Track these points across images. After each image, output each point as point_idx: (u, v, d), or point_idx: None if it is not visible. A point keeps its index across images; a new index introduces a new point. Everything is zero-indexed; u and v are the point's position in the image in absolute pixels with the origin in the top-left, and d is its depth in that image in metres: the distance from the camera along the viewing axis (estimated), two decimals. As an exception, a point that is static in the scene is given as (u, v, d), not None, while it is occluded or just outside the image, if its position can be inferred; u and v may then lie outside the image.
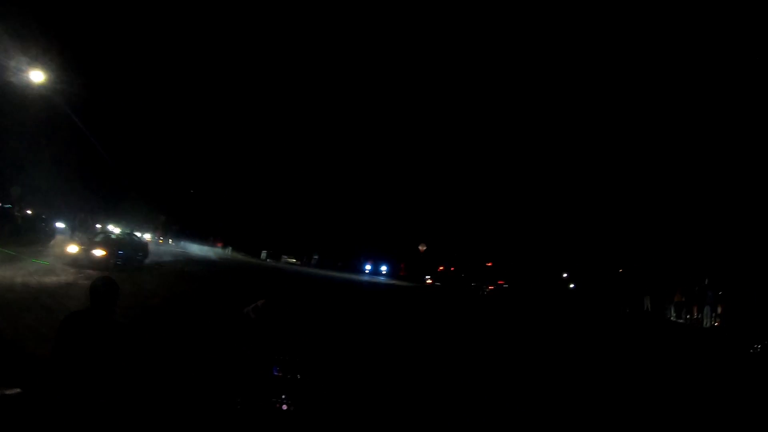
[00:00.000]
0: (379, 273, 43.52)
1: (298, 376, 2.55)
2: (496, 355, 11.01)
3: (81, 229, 25.51)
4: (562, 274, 32.87)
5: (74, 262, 17.15)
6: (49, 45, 23.05)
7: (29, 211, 23.54)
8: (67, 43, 21.70)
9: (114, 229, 36.85)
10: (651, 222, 25.26)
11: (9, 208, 21.97)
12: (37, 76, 20.70)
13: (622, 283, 23.50)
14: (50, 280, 13.15)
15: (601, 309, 22.42)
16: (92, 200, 26.92)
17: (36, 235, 22.45)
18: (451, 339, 12.63)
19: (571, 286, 29.67)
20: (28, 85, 20.93)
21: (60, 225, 26.59)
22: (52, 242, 22.57)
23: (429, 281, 33.90)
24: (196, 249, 42.19)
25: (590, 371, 10.05)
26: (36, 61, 20.40)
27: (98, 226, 31.21)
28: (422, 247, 39.48)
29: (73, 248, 17.92)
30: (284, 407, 2.46)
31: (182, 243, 42.61)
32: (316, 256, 43.95)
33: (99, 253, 17.79)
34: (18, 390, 2.73)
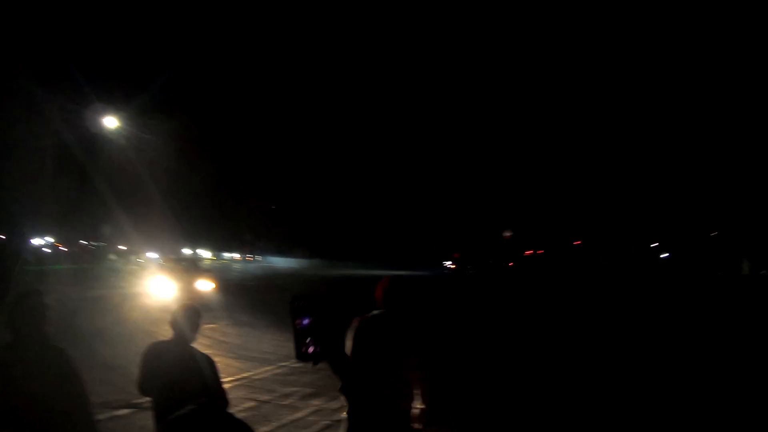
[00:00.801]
0: (460, 267, 43.37)
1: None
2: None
3: (170, 256, 27.22)
4: (650, 245, 30.89)
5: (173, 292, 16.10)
6: (123, 88, 24.55)
7: (123, 247, 25.42)
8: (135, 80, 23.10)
9: (203, 253, 39.13)
10: (746, 179, 23.17)
11: (105, 246, 23.80)
12: (111, 121, 22.29)
13: (717, 247, 21.68)
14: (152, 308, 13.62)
15: (694, 276, 20.79)
16: (178, 228, 28.51)
17: (129, 266, 24.19)
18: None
19: (663, 255, 27.81)
20: (112, 130, 22.48)
21: (153, 255, 28.43)
22: (146, 272, 24.20)
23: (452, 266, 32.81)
24: (283, 263, 43.83)
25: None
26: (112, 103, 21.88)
27: (188, 251, 33.19)
28: (507, 234, 38.62)
29: (169, 283, 16.32)
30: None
31: (269, 258, 44.32)
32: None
33: (206, 286, 16.49)
34: (127, 410, 2.84)
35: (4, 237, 18.53)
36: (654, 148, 32.90)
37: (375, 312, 2.62)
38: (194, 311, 3.10)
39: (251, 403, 5.27)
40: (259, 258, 45.12)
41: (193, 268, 19.16)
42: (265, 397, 5.52)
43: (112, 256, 23.55)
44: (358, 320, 2.58)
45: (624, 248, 31.41)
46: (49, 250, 20.85)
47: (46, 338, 2.70)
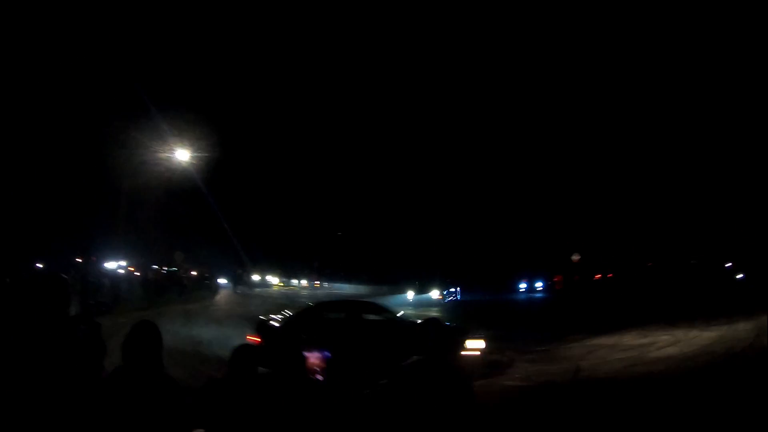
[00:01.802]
0: (534, 290, 42.00)
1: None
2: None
3: (240, 282, 28.41)
4: (725, 265, 28.73)
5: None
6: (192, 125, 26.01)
7: (194, 272, 26.75)
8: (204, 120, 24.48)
9: (272, 279, 40.31)
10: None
11: (175, 271, 25.10)
12: (183, 154, 23.71)
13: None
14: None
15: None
16: (246, 255, 29.79)
17: (201, 292, 25.32)
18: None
19: (739, 276, 25.78)
20: (179, 163, 23.89)
21: (222, 281, 29.69)
22: (217, 297, 25.33)
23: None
24: (350, 289, 44.29)
25: None
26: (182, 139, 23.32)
27: (257, 277, 34.40)
28: (576, 257, 37.41)
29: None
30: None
31: (336, 285, 44.93)
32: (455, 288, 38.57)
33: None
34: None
35: (81, 260, 20.09)
36: (728, 163, 30.89)
37: None
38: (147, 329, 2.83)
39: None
40: (326, 284, 45.86)
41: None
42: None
43: (185, 281, 24.77)
44: None
45: (699, 269, 29.43)
46: (123, 272, 22.30)
47: (160, 366, 2.78)
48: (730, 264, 27.51)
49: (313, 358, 4.14)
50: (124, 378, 2.55)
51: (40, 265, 17.01)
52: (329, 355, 4.48)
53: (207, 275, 27.28)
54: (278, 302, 21.43)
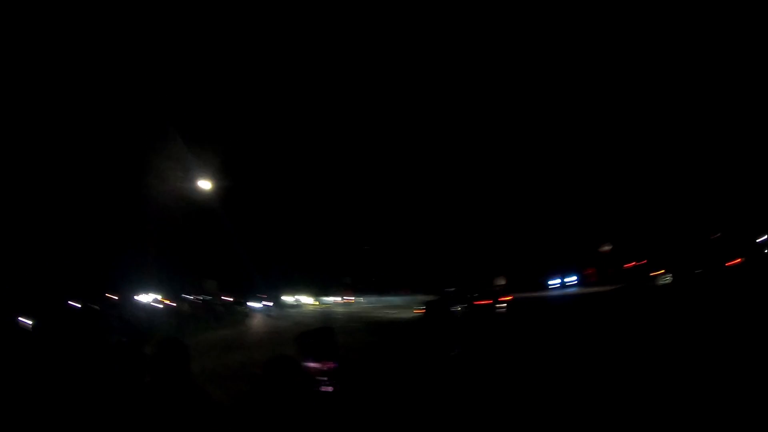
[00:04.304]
0: (566, 285, 41.48)
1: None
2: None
3: (274, 305, 28.82)
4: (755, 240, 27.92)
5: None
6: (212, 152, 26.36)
7: (227, 299, 27.15)
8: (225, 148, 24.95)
9: (304, 299, 40.43)
10: None
11: (210, 299, 25.56)
12: (205, 184, 24.14)
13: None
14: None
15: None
16: (277, 278, 30.11)
17: (235, 317, 25.78)
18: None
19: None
20: (201, 192, 24.30)
21: (254, 305, 30.04)
22: (251, 321, 25.79)
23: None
24: (383, 301, 44.22)
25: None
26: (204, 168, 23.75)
27: (290, 298, 34.62)
28: (606, 248, 36.83)
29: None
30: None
31: (369, 299, 44.87)
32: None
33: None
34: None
35: (117, 297, 20.66)
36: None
37: None
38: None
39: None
40: (361, 299, 45.85)
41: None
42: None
43: (219, 308, 25.19)
44: None
45: (735, 243, 28.69)
46: (158, 305, 22.81)
47: (189, 379, 2.89)
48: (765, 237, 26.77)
49: (319, 368, 4.20)
50: (153, 391, 2.67)
51: (77, 304, 17.48)
52: (336, 364, 4.50)
53: (240, 301, 27.70)
54: (311, 320, 21.70)
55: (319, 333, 3.40)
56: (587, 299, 27.45)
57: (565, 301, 29.70)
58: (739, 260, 25.02)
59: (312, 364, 4.15)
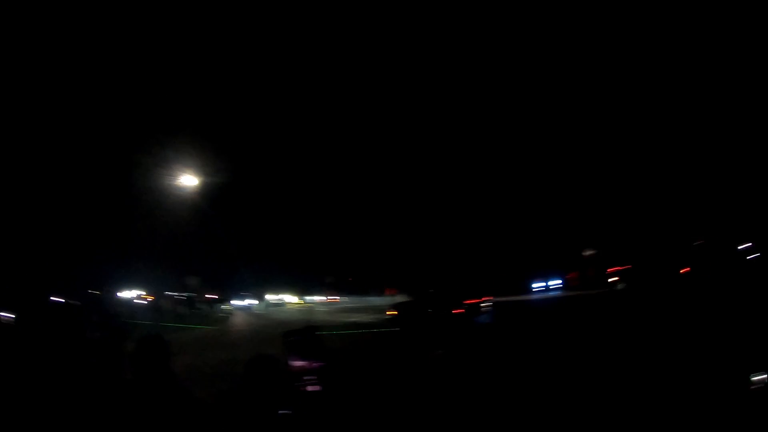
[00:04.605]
0: (549, 288, 41.86)
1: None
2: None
3: (256, 302, 28.70)
4: (736, 248, 28.35)
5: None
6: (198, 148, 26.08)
7: (210, 296, 27.00)
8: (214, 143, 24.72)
9: (287, 298, 40.29)
10: None
11: (193, 296, 25.42)
12: (191, 180, 23.88)
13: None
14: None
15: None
16: (260, 276, 29.99)
17: (217, 315, 25.67)
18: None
19: (751, 257, 25.44)
20: (186, 188, 24.02)
21: (238, 302, 29.89)
22: (234, 319, 25.64)
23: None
24: (369, 301, 44.20)
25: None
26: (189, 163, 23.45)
27: (273, 297, 34.44)
28: (587, 253, 37.15)
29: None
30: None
31: (353, 298, 44.85)
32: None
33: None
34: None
35: (98, 293, 20.44)
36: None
37: None
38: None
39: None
40: (345, 299, 45.81)
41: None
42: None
43: (201, 305, 25.06)
44: None
45: (724, 250, 29.04)
46: (141, 302, 22.65)
47: (169, 377, 2.85)
48: (744, 246, 27.17)
49: (305, 366, 4.18)
50: (133, 387, 2.65)
51: (59, 299, 17.29)
52: (321, 363, 4.48)
53: (222, 298, 27.55)
54: (295, 320, 21.65)
55: (305, 332, 3.40)
56: (567, 302, 27.83)
57: (547, 303, 30.06)
58: (687, 269, 25.61)
59: (298, 363, 4.13)
